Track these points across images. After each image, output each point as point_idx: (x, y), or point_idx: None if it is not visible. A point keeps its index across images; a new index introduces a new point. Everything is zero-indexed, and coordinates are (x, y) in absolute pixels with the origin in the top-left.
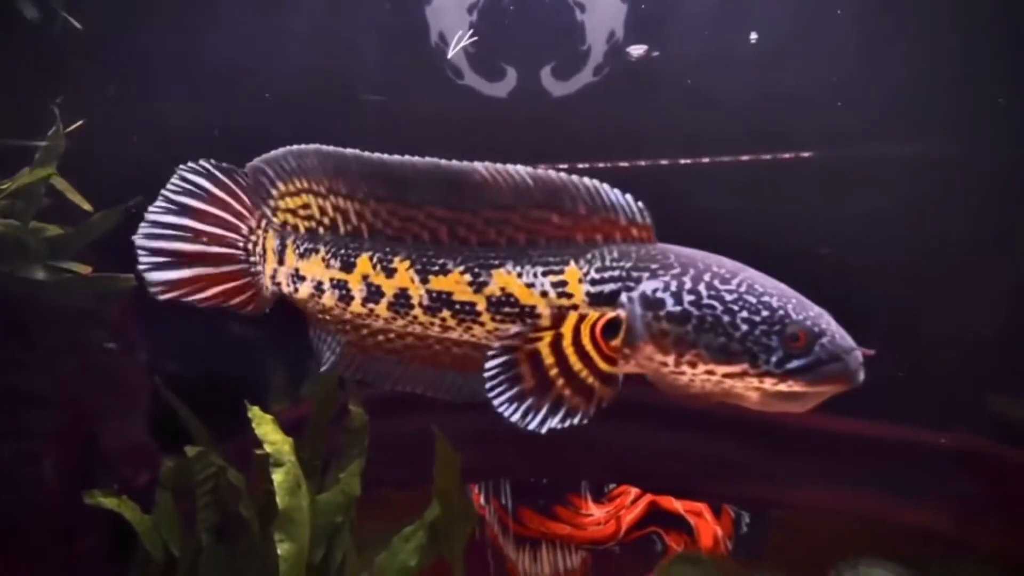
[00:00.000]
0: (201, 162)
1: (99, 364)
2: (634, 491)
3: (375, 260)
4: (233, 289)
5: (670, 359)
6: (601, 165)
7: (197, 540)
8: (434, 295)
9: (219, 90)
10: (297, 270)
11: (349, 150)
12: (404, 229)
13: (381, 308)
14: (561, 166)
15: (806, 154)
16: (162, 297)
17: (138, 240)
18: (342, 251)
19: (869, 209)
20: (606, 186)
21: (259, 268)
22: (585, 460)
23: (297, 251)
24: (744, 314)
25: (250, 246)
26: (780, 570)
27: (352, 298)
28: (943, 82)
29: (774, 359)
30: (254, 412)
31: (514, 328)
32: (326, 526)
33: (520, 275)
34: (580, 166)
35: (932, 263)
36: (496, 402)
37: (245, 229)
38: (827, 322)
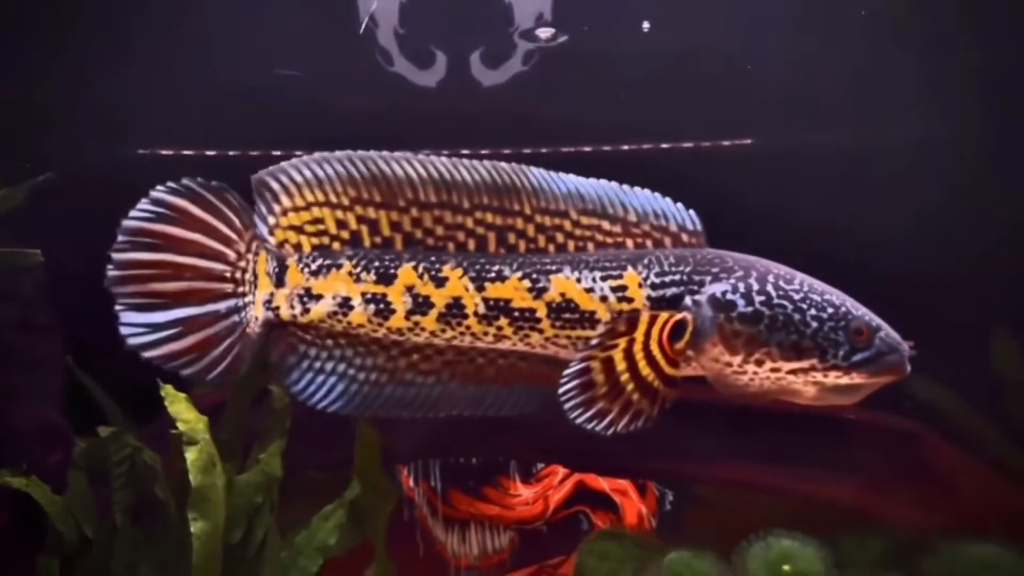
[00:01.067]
0: (184, 181)
1: (8, 342)
2: (562, 471)
3: (421, 270)
4: (214, 336)
5: (737, 359)
6: (544, 150)
7: (112, 522)
8: (491, 303)
9: (130, 66)
10: (308, 289)
11: (396, 153)
12: (448, 237)
13: (429, 320)
14: (505, 151)
15: (747, 141)
16: (151, 356)
17: (110, 287)
18: (375, 263)
19: (806, 196)
20: (657, 194)
21: (248, 299)
22: (513, 441)
23: (307, 269)
24: (812, 312)
25: (239, 275)
26: (699, 544)
27: (393, 312)
28: (877, 71)
29: (841, 353)
30: (167, 391)
31: (594, 339)
32: (246, 506)
33: (579, 280)
34: (526, 151)
35: (854, 246)
36: (568, 407)
37: (233, 255)
38: (877, 317)
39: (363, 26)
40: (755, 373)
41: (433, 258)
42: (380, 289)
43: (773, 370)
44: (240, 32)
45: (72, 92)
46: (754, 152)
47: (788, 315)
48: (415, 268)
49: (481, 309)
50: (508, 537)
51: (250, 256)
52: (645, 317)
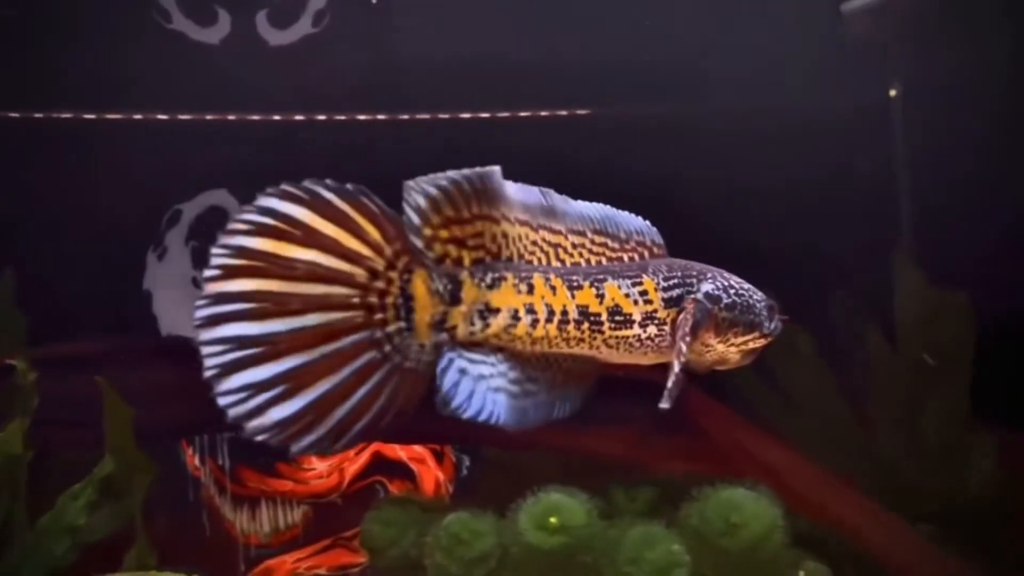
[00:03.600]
0: (306, 184)
1: None
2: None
3: (544, 280)
4: (341, 389)
5: (717, 339)
6: (321, 118)
7: None
8: (581, 309)
9: None
10: (487, 303)
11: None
12: (532, 253)
13: (552, 328)
14: (295, 117)
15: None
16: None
17: (200, 336)
18: (523, 273)
19: (642, 166)
20: (630, 213)
21: (395, 327)
22: None
23: (483, 282)
24: (755, 297)
25: (373, 299)
26: (486, 505)
27: (538, 321)
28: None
29: (768, 324)
30: None
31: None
32: None
33: (619, 287)
34: (298, 118)
35: (688, 210)
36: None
37: (364, 276)
38: None
39: None
40: (715, 349)
41: (542, 271)
42: (529, 300)
43: (731, 344)
44: None
45: None
46: (592, 122)
47: (746, 302)
48: (543, 279)
49: (575, 315)
50: (302, 512)
51: (393, 275)
52: (689, 306)
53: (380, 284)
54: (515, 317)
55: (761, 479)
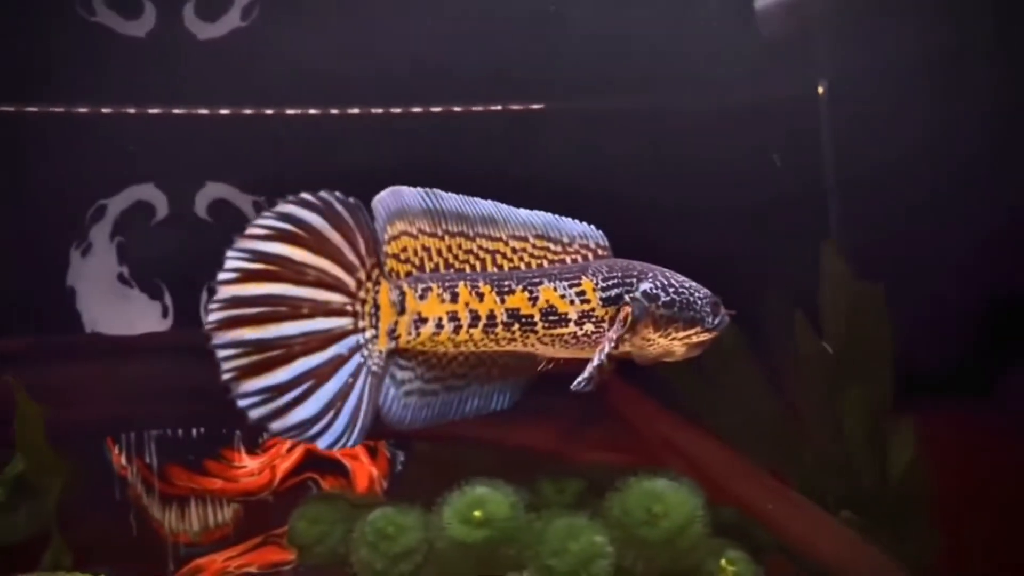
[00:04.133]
0: (322, 194)
1: None
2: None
3: (470, 288)
4: (345, 387)
5: (657, 334)
6: (269, 111)
7: None
8: (510, 312)
9: None
10: (419, 313)
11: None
12: (465, 261)
13: (477, 332)
14: (223, 111)
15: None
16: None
17: (216, 339)
18: (447, 283)
19: (596, 162)
20: (575, 220)
21: (369, 334)
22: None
23: (416, 294)
24: (697, 295)
25: (359, 307)
26: (417, 500)
27: (460, 327)
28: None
29: (711, 320)
30: None
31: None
32: None
33: (555, 289)
34: (246, 111)
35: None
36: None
37: (354, 285)
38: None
39: None
40: (657, 343)
41: (469, 278)
42: (453, 308)
43: (672, 339)
44: None
45: None
46: (546, 117)
47: (686, 299)
48: (467, 286)
49: (504, 318)
50: (232, 510)
51: (370, 285)
52: (626, 309)
53: (362, 293)
54: (439, 325)
55: (685, 470)
